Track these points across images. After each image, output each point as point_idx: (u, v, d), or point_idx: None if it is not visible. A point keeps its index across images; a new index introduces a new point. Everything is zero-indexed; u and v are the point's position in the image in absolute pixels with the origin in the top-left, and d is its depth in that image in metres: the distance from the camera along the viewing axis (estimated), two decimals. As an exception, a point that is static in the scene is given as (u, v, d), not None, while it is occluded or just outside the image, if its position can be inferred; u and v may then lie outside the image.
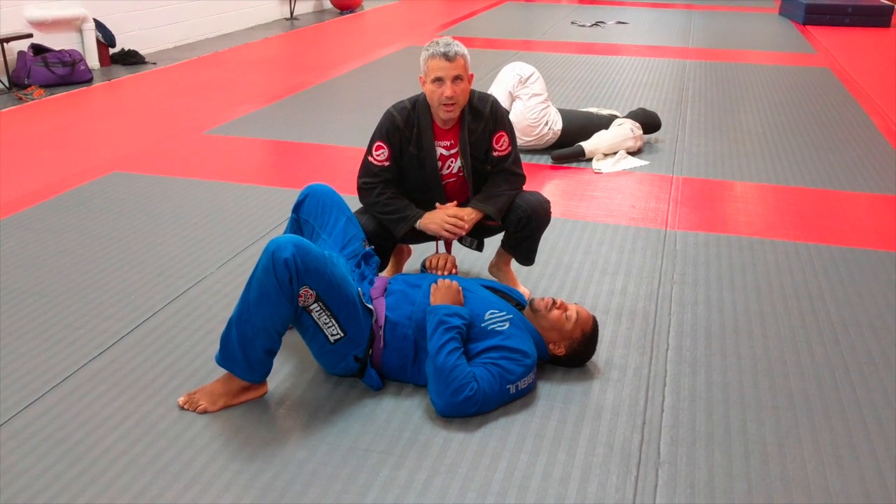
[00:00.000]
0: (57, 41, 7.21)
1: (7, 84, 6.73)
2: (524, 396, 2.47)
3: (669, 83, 6.98)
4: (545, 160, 4.85)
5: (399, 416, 2.39)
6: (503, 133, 2.89)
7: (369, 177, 2.87)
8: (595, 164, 4.75)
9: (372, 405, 2.44)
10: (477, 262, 3.44)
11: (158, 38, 8.54)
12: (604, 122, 5.04)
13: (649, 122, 5.17)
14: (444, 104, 2.73)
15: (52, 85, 6.79)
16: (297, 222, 2.83)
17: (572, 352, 2.59)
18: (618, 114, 5.26)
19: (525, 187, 2.97)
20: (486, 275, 3.25)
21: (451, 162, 2.89)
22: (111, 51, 7.81)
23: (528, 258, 3.05)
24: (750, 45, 9.02)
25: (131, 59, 7.85)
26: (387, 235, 2.90)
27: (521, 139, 4.81)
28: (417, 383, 2.52)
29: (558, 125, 4.91)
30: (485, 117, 2.85)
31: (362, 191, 2.90)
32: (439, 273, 2.71)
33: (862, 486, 2.15)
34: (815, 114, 6.06)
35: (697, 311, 3.06)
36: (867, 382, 2.62)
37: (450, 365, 2.31)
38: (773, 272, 3.40)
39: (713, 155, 5.02)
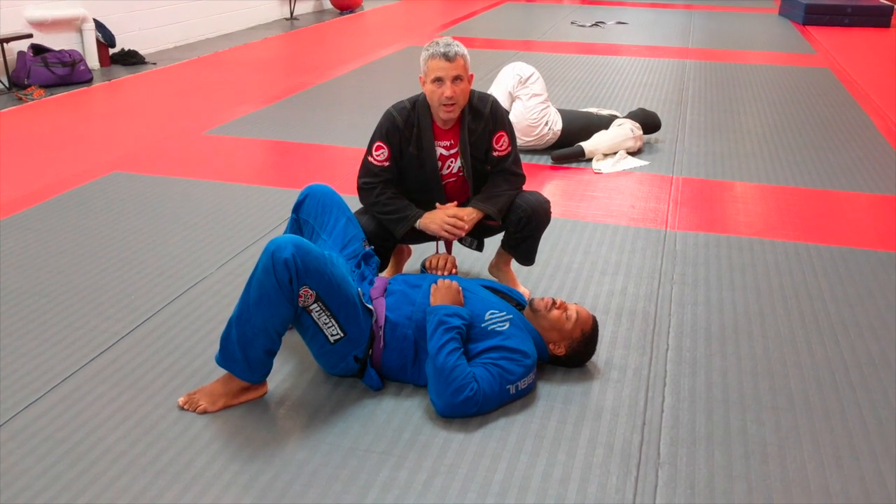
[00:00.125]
0: (57, 41, 7.22)
1: (7, 84, 6.73)
2: (524, 397, 2.47)
3: (669, 83, 6.98)
4: (545, 160, 4.85)
5: (399, 416, 2.39)
6: (503, 133, 2.89)
7: (369, 177, 2.87)
8: (595, 165, 4.75)
9: (372, 406, 2.44)
10: (477, 262, 3.44)
11: (158, 38, 8.54)
12: (604, 123, 5.04)
13: (649, 123, 5.18)
14: (444, 104, 2.73)
15: (52, 85, 6.79)
16: (297, 222, 2.83)
17: (572, 352, 2.59)
18: (618, 114, 5.26)
19: (525, 187, 2.98)
20: (486, 275, 3.25)
21: (451, 162, 2.89)
22: (111, 51, 7.81)
23: (528, 258, 3.05)
24: (750, 45, 9.02)
25: (131, 59, 7.86)
26: (387, 236, 2.90)
27: (521, 139, 4.81)
28: (417, 384, 2.52)
29: (558, 125, 4.91)
30: (485, 117, 2.85)
31: (362, 191, 2.90)
32: (439, 273, 2.71)
33: (862, 486, 2.15)
34: (815, 114, 6.06)
35: (697, 312, 3.06)
36: (867, 383, 2.62)
37: (450, 365, 2.31)
38: (773, 273, 3.40)
39: (713, 155, 5.02)
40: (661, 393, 2.54)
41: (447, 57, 2.70)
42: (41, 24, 7.10)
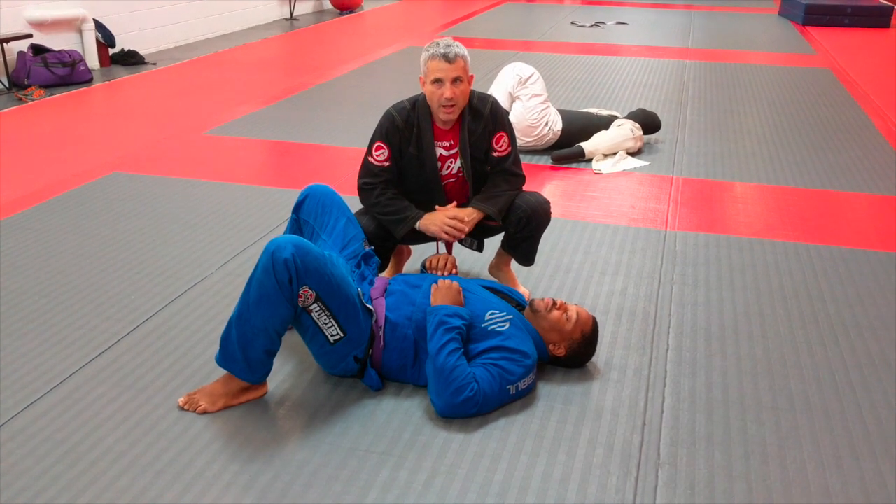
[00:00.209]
0: (57, 41, 7.22)
1: (7, 84, 6.73)
2: (524, 397, 2.47)
3: (669, 84, 6.98)
4: (545, 161, 4.85)
5: (399, 416, 2.39)
6: (503, 133, 2.89)
7: (369, 177, 2.87)
8: (595, 165, 4.75)
9: (372, 406, 2.44)
10: (477, 262, 3.44)
11: (158, 38, 8.54)
12: (604, 123, 5.04)
13: (649, 123, 5.18)
14: (443, 106, 2.73)
15: (51, 85, 6.79)
16: (298, 223, 2.83)
17: (572, 353, 2.59)
18: (618, 114, 5.27)
19: (525, 188, 2.98)
20: (486, 275, 3.25)
21: (451, 162, 2.89)
22: (111, 51, 7.81)
23: (528, 259, 3.05)
24: (750, 45, 9.03)
25: (131, 59, 7.85)
26: (387, 236, 2.90)
27: (521, 140, 4.81)
28: (417, 384, 2.52)
29: (558, 126, 4.91)
30: (484, 118, 2.85)
31: (362, 191, 2.90)
32: (439, 273, 2.71)
33: (862, 486, 2.15)
34: (815, 114, 6.06)
35: (697, 312, 3.06)
36: (867, 383, 2.62)
37: (450, 365, 2.31)
38: (773, 273, 3.40)
39: (713, 155, 5.02)
40: (661, 393, 2.54)
41: (447, 58, 2.70)
42: (41, 25, 7.10)
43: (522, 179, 2.95)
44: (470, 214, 2.85)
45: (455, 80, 2.71)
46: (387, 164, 2.85)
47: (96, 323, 2.92)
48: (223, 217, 3.93)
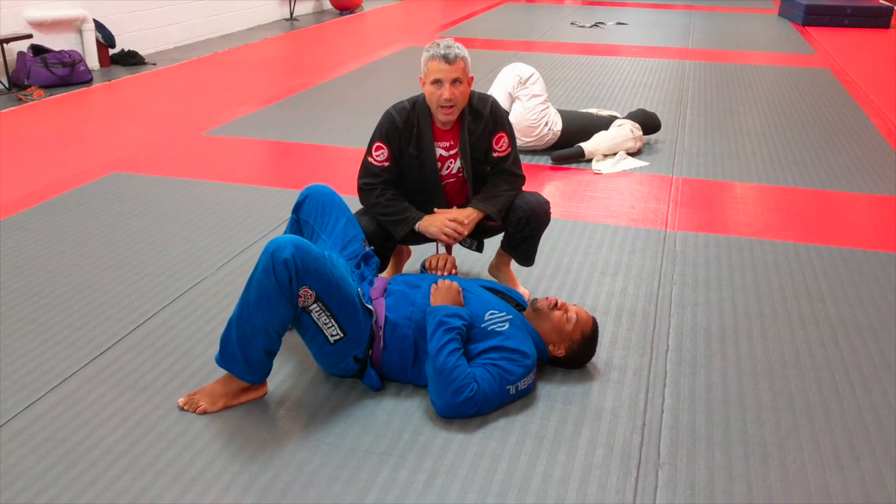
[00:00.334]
0: (57, 42, 7.22)
1: (7, 85, 6.73)
2: (524, 397, 2.47)
3: (669, 84, 6.98)
4: (545, 161, 4.85)
5: (399, 417, 2.39)
6: (503, 134, 2.89)
7: (369, 177, 2.87)
8: (595, 165, 4.75)
9: (372, 406, 2.44)
10: (477, 262, 3.44)
11: (158, 38, 8.54)
12: (603, 123, 5.04)
13: (649, 123, 5.18)
14: (443, 106, 2.74)
15: (51, 85, 6.79)
16: (297, 223, 2.83)
17: (572, 353, 2.59)
18: (617, 115, 5.27)
19: (525, 188, 2.98)
20: (485, 275, 3.25)
21: (451, 163, 2.89)
22: (111, 51, 7.81)
23: (527, 259, 3.05)
24: (749, 46, 9.03)
25: (131, 59, 7.86)
26: (386, 236, 2.90)
27: (521, 140, 4.81)
28: (417, 384, 2.52)
29: (558, 126, 4.91)
30: (484, 118, 2.85)
31: (362, 192, 2.90)
32: (439, 274, 2.71)
33: (862, 487, 2.15)
34: (815, 115, 6.06)
35: (697, 313, 3.06)
36: (867, 384, 2.62)
37: (450, 366, 2.31)
38: (773, 273, 3.40)
39: (713, 156, 5.02)
40: (661, 393, 2.54)
41: (447, 59, 2.70)
42: (41, 25, 7.10)
43: (522, 180, 2.95)
44: (469, 215, 2.85)
45: (454, 82, 2.71)
46: (387, 164, 2.85)
47: (96, 323, 2.92)
48: (223, 217, 3.93)
